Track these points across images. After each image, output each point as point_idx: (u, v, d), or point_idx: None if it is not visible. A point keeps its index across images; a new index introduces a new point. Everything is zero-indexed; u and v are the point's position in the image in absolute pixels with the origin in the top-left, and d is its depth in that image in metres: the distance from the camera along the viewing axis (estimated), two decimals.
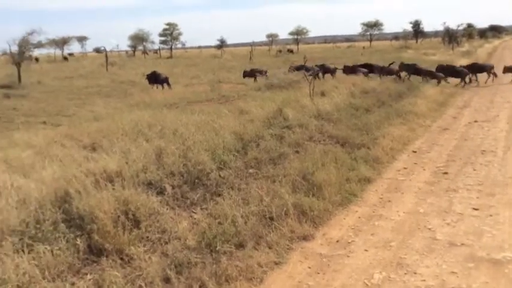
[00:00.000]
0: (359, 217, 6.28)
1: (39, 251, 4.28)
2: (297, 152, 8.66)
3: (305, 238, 5.51)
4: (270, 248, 5.12)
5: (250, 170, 7.59)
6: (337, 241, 5.54)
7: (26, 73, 31.37)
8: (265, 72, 26.66)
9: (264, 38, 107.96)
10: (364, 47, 76.55)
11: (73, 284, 4.10)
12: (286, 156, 8.22)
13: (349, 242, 5.51)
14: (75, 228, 4.90)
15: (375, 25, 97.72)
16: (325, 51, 67.76)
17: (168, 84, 24.06)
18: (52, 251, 4.32)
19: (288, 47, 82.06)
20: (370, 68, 23.19)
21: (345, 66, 24.20)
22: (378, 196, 7.12)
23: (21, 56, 31.17)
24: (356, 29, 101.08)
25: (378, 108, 13.84)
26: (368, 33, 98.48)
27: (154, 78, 24.61)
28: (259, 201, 6.12)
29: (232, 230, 5.26)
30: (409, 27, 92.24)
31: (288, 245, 5.28)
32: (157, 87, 23.80)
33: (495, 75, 21.67)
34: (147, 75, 25.42)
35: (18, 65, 30.29)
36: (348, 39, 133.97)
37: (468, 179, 7.81)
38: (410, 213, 6.38)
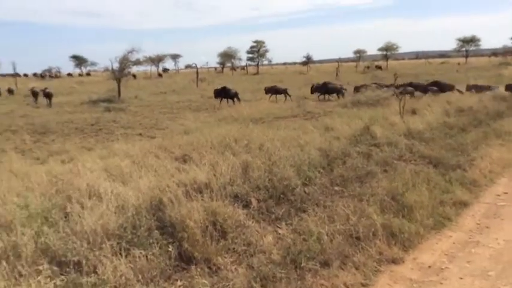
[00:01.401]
0: (453, 243, 5.89)
1: (135, 255, 4.54)
2: (386, 171, 8.38)
3: (394, 261, 5.27)
4: (356, 268, 4.97)
5: (336, 188, 7.47)
6: (429, 267, 5.23)
7: (124, 88, 33.80)
8: (286, 90, 26.96)
9: (351, 54, 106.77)
10: (459, 63, 72.61)
11: None
12: (374, 175, 7.98)
13: (442, 269, 5.18)
14: (167, 235, 5.14)
15: (471, 40, 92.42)
16: (416, 67, 65.22)
17: (238, 99, 25.09)
18: (146, 256, 4.56)
19: (376, 63, 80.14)
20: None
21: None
22: (475, 221, 6.63)
23: (121, 72, 33.70)
24: (451, 45, 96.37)
25: (475, 127, 13.02)
26: (464, 49, 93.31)
27: (224, 93, 25.71)
28: (345, 219, 5.99)
29: (317, 247, 5.19)
30: (509, 43, 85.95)
31: (375, 267, 5.09)
32: (227, 102, 24.57)
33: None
34: (215, 90, 26.59)
35: (118, 80, 32.77)
36: (442, 55, 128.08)
37: None
38: (511, 242, 5.86)
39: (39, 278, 3.98)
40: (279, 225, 5.86)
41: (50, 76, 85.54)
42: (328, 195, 7.08)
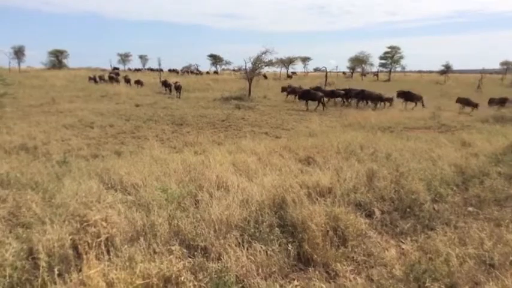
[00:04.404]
0: None
1: (256, 249, 4.68)
2: None
3: None
4: None
5: (470, 208, 6.88)
6: None
7: (255, 88, 35.09)
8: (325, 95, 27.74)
9: (497, 66, 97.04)
10: None
11: (282, 286, 4.34)
12: None
13: None
14: (287, 234, 5.23)
15: None
16: None
17: (323, 104, 25.81)
18: (266, 252, 4.68)
19: None
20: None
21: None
22: None
23: (253, 72, 35.03)
24: None
25: None
26: None
27: (308, 96, 26.50)
28: (478, 244, 5.47)
29: (444, 269, 4.82)
30: None
31: None
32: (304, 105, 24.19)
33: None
34: (299, 92, 28.68)
35: (250, 80, 34.14)
36: None
37: None
38: None
39: (170, 257, 4.33)
40: (403, 240, 5.58)
41: (187, 72, 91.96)
42: (461, 215, 6.55)
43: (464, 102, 26.06)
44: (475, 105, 25.13)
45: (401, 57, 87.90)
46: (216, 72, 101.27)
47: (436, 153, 9.30)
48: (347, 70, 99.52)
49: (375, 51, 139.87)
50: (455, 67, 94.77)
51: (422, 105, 26.44)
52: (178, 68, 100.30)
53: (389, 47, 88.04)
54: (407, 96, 27.73)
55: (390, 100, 27.98)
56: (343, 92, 29.98)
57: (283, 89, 35.48)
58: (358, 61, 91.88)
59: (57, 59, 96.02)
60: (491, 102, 25.22)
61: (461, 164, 8.48)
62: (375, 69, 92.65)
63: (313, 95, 26.39)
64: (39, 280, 3.92)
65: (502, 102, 24.90)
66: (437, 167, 8.14)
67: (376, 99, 27.85)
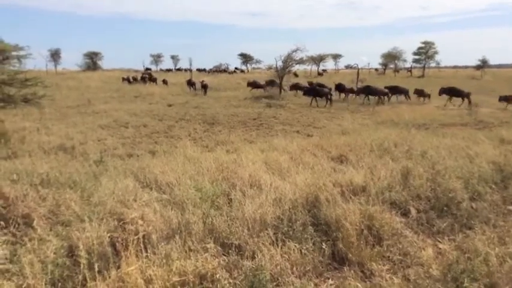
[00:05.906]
0: None
1: (290, 248, 4.68)
2: None
3: None
4: None
5: (510, 207, 6.67)
6: None
7: (285, 86, 35.06)
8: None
9: None
10: None
11: (316, 285, 4.34)
12: None
13: None
14: (321, 233, 5.21)
15: None
16: None
17: (330, 100, 26.31)
18: (300, 250, 4.67)
19: None
20: None
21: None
22: None
23: (283, 70, 35.00)
24: None
25: None
26: None
27: (314, 92, 27.22)
28: None
29: (483, 268, 4.69)
30: None
31: None
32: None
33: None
34: (305, 88, 30.41)
35: (280, 78, 34.14)
36: None
37: None
38: None
39: (205, 255, 4.38)
40: (440, 240, 5.46)
41: (216, 71, 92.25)
42: (500, 214, 6.35)
43: (420, 93, 29.20)
44: (427, 96, 28.63)
45: (435, 53, 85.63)
46: (243, 71, 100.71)
47: (474, 151, 9.04)
48: (379, 67, 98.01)
49: (408, 47, 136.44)
50: (492, 61, 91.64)
51: (409, 97, 29.54)
52: (208, 67, 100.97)
53: (423, 42, 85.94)
54: (395, 90, 30.62)
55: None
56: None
57: (249, 84, 37.26)
58: (391, 57, 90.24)
59: (92, 60, 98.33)
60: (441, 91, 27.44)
61: (500, 161, 8.22)
62: (408, 65, 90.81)
63: (319, 91, 26.54)
64: (80, 277, 4.03)
65: (450, 91, 26.66)
66: (475, 164, 7.92)
67: (381, 94, 28.81)
